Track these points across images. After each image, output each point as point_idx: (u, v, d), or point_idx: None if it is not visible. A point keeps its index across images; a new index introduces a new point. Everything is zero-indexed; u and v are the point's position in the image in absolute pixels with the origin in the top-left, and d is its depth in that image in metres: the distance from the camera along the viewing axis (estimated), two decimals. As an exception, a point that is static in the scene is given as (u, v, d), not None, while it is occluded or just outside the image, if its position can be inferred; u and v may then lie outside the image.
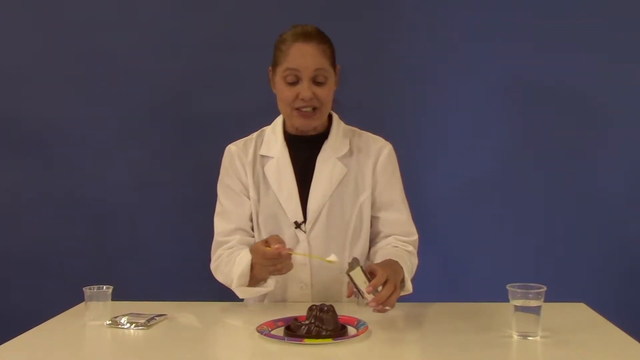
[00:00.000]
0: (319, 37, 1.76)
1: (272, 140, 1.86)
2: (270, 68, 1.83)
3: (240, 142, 1.90)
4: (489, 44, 2.58)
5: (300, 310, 1.55)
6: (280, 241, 1.61)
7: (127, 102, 2.66)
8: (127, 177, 2.67)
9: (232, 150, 1.88)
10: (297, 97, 1.74)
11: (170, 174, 2.66)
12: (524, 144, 2.61)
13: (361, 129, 1.92)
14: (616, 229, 2.60)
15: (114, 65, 2.65)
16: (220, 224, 1.86)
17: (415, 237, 1.85)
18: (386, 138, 1.91)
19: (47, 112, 2.68)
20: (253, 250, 1.68)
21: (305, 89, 1.73)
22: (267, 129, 1.90)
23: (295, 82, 1.74)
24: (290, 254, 1.61)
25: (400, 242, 1.82)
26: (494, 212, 2.63)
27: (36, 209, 2.69)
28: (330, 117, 1.87)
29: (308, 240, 1.79)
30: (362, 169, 1.83)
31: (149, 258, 2.67)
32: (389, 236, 1.84)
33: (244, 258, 1.70)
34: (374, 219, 1.86)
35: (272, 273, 1.66)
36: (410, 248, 1.82)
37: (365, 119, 1.96)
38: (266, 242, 1.62)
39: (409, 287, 1.68)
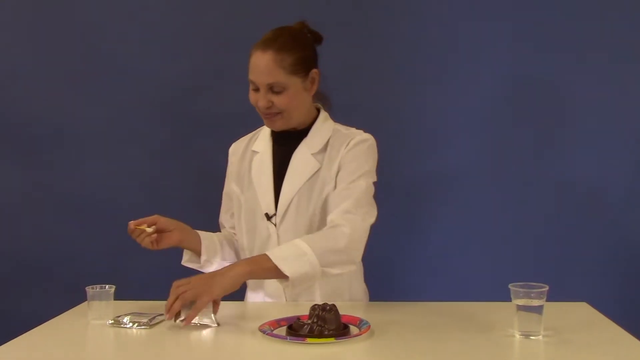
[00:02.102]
0: (277, 44, 1.77)
1: (263, 136, 1.94)
2: None
3: (240, 140, 1.99)
4: (479, 41, 2.58)
5: (302, 310, 1.55)
6: (153, 221, 1.78)
7: (127, 102, 2.66)
8: (128, 176, 2.68)
9: (230, 150, 1.99)
10: (257, 103, 1.81)
11: (171, 174, 2.66)
12: (525, 143, 2.61)
13: (352, 125, 1.91)
14: (619, 228, 2.60)
15: (114, 65, 2.65)
16: (221, 210, 2.03)
17: (349, 200, 1.73)
18: (378, 134, 1.90)
19: (47, 112, 2.68)
20: None
21: (260, 98, 1.79)
22: (264, 127, 1.95)
23: (257, 89, 1.80)
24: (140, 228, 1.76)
25: (329, 223, 1.73)
26: (495, 212, 2.63)
27: (38, 209, 2.70)
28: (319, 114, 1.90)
29: (278, 232, 1.82)
30: (332, 163, 1.83)
31: (151, 257, 2.65)
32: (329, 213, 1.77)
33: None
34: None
35: (145, 245, 1.80)
36: (337, 221, 1.70)
37: (358, 116, 1.97)
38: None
39: (285, 272, 1.60)
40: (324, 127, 1.88)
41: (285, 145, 1.88)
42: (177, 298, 1.56)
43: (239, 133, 2.01)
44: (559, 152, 2.61)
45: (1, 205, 2.72)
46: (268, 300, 1.85)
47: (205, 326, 1.56)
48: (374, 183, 1.83)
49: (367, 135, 1.86)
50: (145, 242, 1.78)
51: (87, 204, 2.68)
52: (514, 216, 2.62)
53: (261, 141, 1.92)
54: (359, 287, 1.93)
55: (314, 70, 1.83)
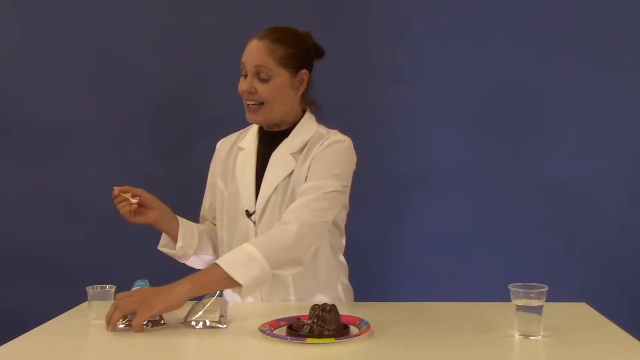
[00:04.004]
0: (274, 36, 1.82)
1: (251, 134, 1.96)
2: None
3: (228, 137, 2.02)
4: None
5: (302, 310, 1.56)
6: (137, 193, 1.80)
7: (127, 102, 2.66)
8: (128, 176, 2.66)
9: (218, 144, 2.02)
10: (241, 87, 1.84)
11: (171, 174, 2.66)
12: (523, 142, 2.62)
13: (336, 125, 1.92)
14: (618, 229, 2.60)
15: (115, 66, 2.65)
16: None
17: (295, 204, 1.73)
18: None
19: (47, 112, 2.68)
20: None
21: (244, 82, 1.83)
22: (254, 125, 1.98)
23: (245, 76, 1.83)
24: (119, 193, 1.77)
25: (282, 220, 1.72)
26: (494, 212, 2.63)
27: (37, 209, 2.70)
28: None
29: (256, 229, 1.84)
30: (305, 161, 1.83)
31: (151, 257, 2.66)
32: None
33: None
34: None
35: (123, 213, 1.80)
36: (286, 217, 1.70)
37: (345, 114, 1.99)
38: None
39: (238, 279, 1.58)
40: (306, 128, 1.88)
41: (269, 143, 1.90)
42: (116, 309, 1.55)
43: (239, 133, 2.02)
44: (559, 151, 2.61)
45: (1, 205, 2.71)
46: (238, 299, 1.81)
47: (210, 327, 1.56)
48: (344, 187, 1.80)
49: (343, 137, 1.85)
50: (124, 210, 1.78)
51: (87, 204, 2.68)
52: (513, 216, 2.62)
53: (248, 138, 1.95)
54: (340, 287, 1.92)
55: (304, 71, 1.85)
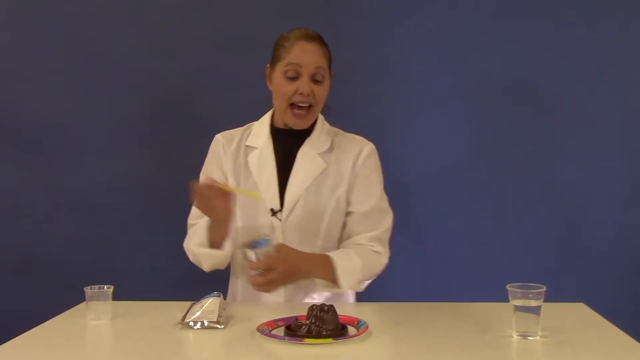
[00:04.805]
0: (320, 39, 1.87)
1: (259, 132, 1.94)
2: (268, 65, 1.91)
3: (227, 132, 1.99)
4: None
5: (300, 310, 1.56)
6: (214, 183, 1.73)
7: (127, 102, 2.66)
8: (128, 176, 2.67)
9: (218, 138, 1.97)
10: (295, 92, 1.82)
11: (170, 174, 2.65)
12: (521, 143, 2.62)
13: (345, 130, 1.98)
14: (616, 229, 2.61)
15: (115, 66, 2.65)
16: (193, 209, 1.92)
17: (383, 229, 1.89)
18: (367, 137, 1.97)
19: (47, 112, 2.67)
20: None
21: (304, 84, 1.81)
22: (255, 123, 1.98)
23: (295, 78, 1.82)
24: (221, 189, 1.71)
25: (367, 241, 1.86)
26: (493, 212, 2.63)
27: (36, 209, 2.69)
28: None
29: (283, 228, 1.84)
30: (341, 165, 1.90)
31: (149, 258, 2.67)
32: (359, 235, 1.88)
33: (202, 222, 1.83)
34: (348, 215, 1.90)
35: (209, 212, 1.74)
36: (377, 247, 1.86)
37: (343, 117, 1.99)
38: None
39: (340, 284, 1.76)
40: (324, 128, 1.93)
41: (286, 143, 1.90)
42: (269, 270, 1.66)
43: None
44: (555, 152, 2.61)
45: (1, 205, 2.71)
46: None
47: (208, 327, 1.56)
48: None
49: (372, 144, 1.94)
50: (217, 203, 1.72)
51: (86, 204, 2.68)
52: (512, 216, 2.62)
53: (258, 137, 1.93)
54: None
55: (332, 72, 1.90)
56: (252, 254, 1.68)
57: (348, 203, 1.90)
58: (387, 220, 1.90)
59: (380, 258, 1.86)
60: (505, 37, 2.58)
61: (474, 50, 2.59)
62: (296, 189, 1.86)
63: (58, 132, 2.68)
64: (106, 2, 2.66)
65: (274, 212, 1.86)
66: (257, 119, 2.01)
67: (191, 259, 1.90)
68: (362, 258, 1.80)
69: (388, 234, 1.90)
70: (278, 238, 1.83)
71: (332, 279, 1.76)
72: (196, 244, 1.83)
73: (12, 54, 2.69)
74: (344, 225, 1.91)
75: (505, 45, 2.58)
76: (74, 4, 2.66)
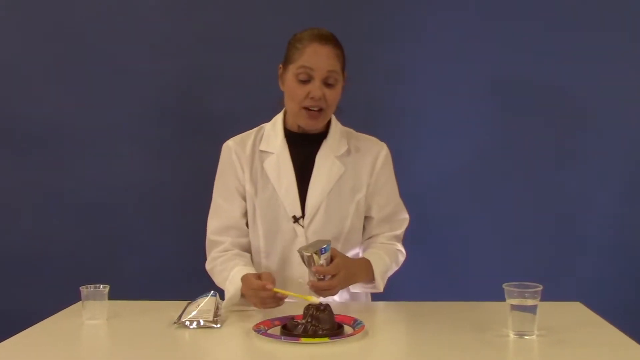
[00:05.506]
0: (334, 41, 1.81)
1: (272, 136, 1.89)
2: (280, 65, 1.85)
3: (237, 138, 1.92)
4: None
5: (297, 310, 1.55)
6: (271, 279, 1.61)
7: (127, 102, 2.66)
8: (125, 176, 2.67)
9: (230, 145, 1.89)
10: (307, 95, 1.77)
11: (170, 174, 2.65)
12: (522, 142, 2.62)
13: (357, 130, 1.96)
14: (613, 229, 2.61)
15: (114, 66, 2.64)
16: (212, 222, 1.88)
17: (402, 229, 1.93)
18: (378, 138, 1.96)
19: (47, 112, 2.67)
20: (243, 279, 1.67)
21: (316, 88, 1.76)
22: (267, 126, 1.92)
23: (307, 81, 1.77)
24: (275, 292, 1.59)
25: (389, 240, 1.90)
26: (490, 212, 2.63)
27: (34, 208, 2.69)
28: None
29: (306, 234, 1.81)
30: (360, 168, 1.88)
31: (146, 257, 2.67)
32: (380, 234, 1.91)
33: (234, 283, 1.70)
34: (367, 217, 1.90)
35: (257, 306, 1.65)
36: (399, 246, 1.91)
37: (351, 118, 1.97)
38: (259, 277, 1.63)
39: (378, 287, 1.80)
40: (338, 130, 1.90)
41: (302, 146, 1.86)
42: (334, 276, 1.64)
43: (238, 133, 2.00)
44: (557, 151, 2.61)
45: (0, 204, 2.71)
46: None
47: (204, 327, 1.56)
48: None
49: (386, 147, 1.93)
50: (270, 304, 1.63)
51: (84, 203, 2.67)
52: (508, 216, 2.63)
53: (272, 142, 1.87)
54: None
55: (346, 74, 1.85)
56: (321, 260, 1.63)
57: (368, 208, 1.89)
58: (406, 220, 1.94)
59: (402, 256, 1.92)
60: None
61: (474, 49, 2.59)
62: (318, 194, 1.82)
63: (58, 132, 2.67)
64: (106, 2, 2.65)
65: (295, 219, 1.82)
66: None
67: (215, 280, 1.83)
68: (390, 258, 1.85)
69: (402, 235, 1.95)
70: (300, 244, 1.78)
71: (370, 281, 1.80)
72: (228, 305, 1.71)
73: (12, 54, 2.68)
74: (364, 228, 1.91)
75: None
76: (74, 4, 2.65)
